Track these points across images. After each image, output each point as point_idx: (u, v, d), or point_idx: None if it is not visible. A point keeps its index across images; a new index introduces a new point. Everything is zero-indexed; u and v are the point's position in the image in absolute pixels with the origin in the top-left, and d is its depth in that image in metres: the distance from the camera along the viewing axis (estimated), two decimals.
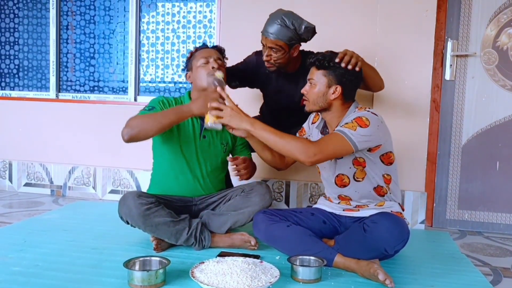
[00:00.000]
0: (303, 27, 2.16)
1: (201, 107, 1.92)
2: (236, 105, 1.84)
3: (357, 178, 1.93)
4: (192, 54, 2.17)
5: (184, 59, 3.18)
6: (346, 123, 1.81)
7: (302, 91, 1.94)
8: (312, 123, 2.10)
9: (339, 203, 2.03)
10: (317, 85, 1.89)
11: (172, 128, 2.02)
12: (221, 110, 1.81)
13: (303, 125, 2.16)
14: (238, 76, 2.41)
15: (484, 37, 2.65)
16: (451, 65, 2.68)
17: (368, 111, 1.85)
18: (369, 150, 1.85)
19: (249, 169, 2.11)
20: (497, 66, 2.65)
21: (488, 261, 2.12)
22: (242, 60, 2.47)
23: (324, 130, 2.00)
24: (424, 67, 2.67)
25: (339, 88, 1.87)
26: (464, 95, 2.70)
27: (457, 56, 2.68)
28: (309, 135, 2.10)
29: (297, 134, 2.14)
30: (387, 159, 1.92)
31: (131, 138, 1.91)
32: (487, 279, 1.84)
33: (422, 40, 2.66)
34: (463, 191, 2.73)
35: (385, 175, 1.94)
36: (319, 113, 2.04)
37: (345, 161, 1.92)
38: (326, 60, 1.87)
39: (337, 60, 1.85)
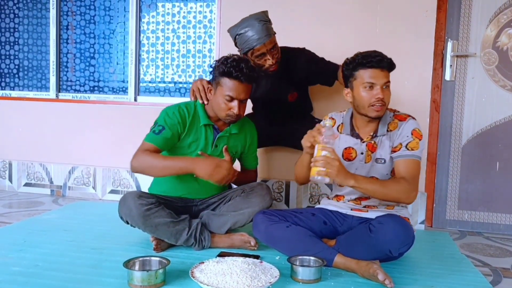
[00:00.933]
0: (267, 14, 2.22)
1: (205, 173, 1.89)
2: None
3: None
4: (222, 74, 1.97)
5: (185, 60, 3.20)
6: (409, 142, 1.85)
7: (381, 97, 1.81)
8: None
9: (349, 201, 2.02)
10: (389, 86, 1.88)
11: (189, 137, 2.06)
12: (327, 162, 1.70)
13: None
14: None
15: (484, 37, 2.65)
16: (451, 65, 2.68)
17: (410, 116, 1.92)
18: None
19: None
20: (497, 67, 2.65)
21: (488, 262, 2.12)
22: None
23: (354, 132, 1.97)
24: (424, 67, 2.67)
25: (348, 92, 1.93)
26: (464, 96, 2.70)
27: (457, 56, 2.68)
28: None
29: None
30: None
31: (137, 172, 2.00)
32: (487, 279, 1.84)
33: (422, 41, 2.66)
34: (463, 191, 2.73)
35: None
36: (334, 118, 2.04)
37: (385, 167, 1.92)
38: (393, 62, 1.87)
39: None
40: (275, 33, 2.22)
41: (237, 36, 2.18)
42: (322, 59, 2.39)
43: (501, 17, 2.62)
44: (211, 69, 2.07)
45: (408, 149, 1.85)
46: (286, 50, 2.34)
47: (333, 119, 2.05)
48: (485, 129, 2.68)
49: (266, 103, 2.51)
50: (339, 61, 2.54)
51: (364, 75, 1.82)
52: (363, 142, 1.94)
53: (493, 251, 2.32)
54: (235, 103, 1.98)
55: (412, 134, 1.86)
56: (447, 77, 2.70)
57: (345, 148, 1.98)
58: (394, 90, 2.65)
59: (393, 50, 2.66)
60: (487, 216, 2.71)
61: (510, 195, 2.67)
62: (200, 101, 2.09)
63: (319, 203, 2.19)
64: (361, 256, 1.79)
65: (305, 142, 1.79)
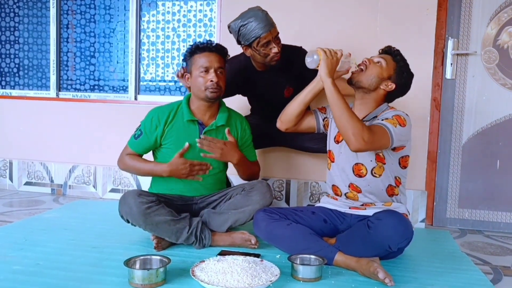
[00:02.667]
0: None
1: (175, 173, 2.06)
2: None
3: (374, 173, 1.95)
4: (192, 53, 2.09)
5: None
6: (386, 119, 1.87)
7: (364, 59, 1.97)
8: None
9: (346, 198, 2.03)
10: (382, 68, 1.94)
11: (171, 137, 2.10)
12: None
13: (324, 105, 2.18)
14: (229, 90, 2.33)
15: (484, 35, 2.65)
16: (451, 63, 2.68)
17: (402, 111, 1.94)
18: (394, 149, 1.91)
19: (219, 144, 2.09)
20: (497, 65, 2.65)
21: (489, 260, 2.12)
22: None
23: None
24: (425, 65, 2.67)
25: (393, 86, 1.95)
26: (464, 94, 2.69)
27: (457, 54, 2.68)
28: (328, 116, 2.13)
29: (316, 108, 2.17)
30: (404, 162, 1.98)
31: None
32: (487, 277, 1.84)
33: (423, 39, 2.66)
34: (464, 189, 2.73)
35: (397, 178, 1.98)
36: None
37: (369, 153, 1.94)
38: (401, 58, 1.97)
39: None
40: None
41: (241, 28, 2.17)
42: None
43: (501, 15, 2.62)
44: (182, 60, 2.18)
45: (382, 121, 1.86)
46: (283, 47, 2.34)
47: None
48: (486, 128, 2.68)
49: (263, 98, 2.51)
50: None
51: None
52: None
53: (493, 249, 2.32)
54: (211, 73, 2.02)
55: (393, 116, 1.88)
56: (448, 75, 2.70)
57: (338, 131, 2.02)
58: None
59: None
60: (487, 215, 2.71)
61: (510, 193, 2.67)
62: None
63: (319, 202, 2.19)
64: (361, 253, 1.79)
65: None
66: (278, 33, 2.22)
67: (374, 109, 1.97)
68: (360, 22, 2.74)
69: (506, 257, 2.19)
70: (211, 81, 2.02)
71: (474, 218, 2.73)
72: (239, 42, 2.24)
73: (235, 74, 2.36)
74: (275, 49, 2.19)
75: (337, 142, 2.05)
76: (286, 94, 2.42)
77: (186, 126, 2.10)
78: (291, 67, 2.34)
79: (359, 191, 1.99)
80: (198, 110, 2.13)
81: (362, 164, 1.96)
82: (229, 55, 2.18)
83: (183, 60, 2.17)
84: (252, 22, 2.14)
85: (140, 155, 2.16)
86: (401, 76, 1.97)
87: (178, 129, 2.09)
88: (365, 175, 1.97)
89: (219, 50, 2.09)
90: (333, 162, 2.08)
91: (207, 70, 2.03)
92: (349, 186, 2.02)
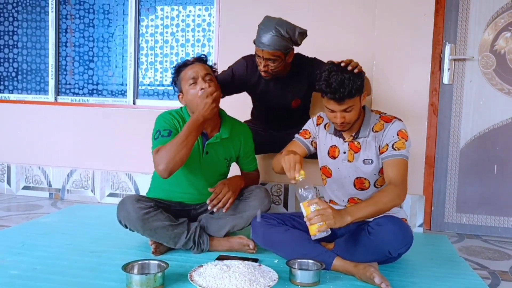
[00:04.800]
0: (297, 33, 2.18)
1: (205, 110, 1.90)
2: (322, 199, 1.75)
3: (377, 184, 1.96)
4: (178, 72, 2.07)
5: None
6: (395, 142, 1.87)
7: (341, 121, 1.83)
8: (317, 124, 2.08)
9: (345, 206, 2.03)
10: (354, 107, 1.83)
11: None
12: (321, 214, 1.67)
13: (305, 127, 2.11)
14: (228, 87, 2.35)
15: (481, 41, 2.67)
16: (449, 69, 2.69)
17: (396, 118, 1.94)
18: None
19: (229, 195, 2.02)
20: (494, 70, 2.66)
21: (486, 265, 2.12)
22: (230, 68, 2.42)
23: (337, 132, 1.99)
24: (422, 71, 2.68)
25: (364, 96, 1.91)
26: (462, 99, 2.70)
27: (455, 60, 2.69)
28: (315, 137, 2.08)
29: (299, 136, 2.10)
30: None
31: (171, 173, 1.89)
32: (485, 282, 1.85)
33: (420, 44, 2.67)
34: (461, 194, 2.73)
35: None
36: (322, 117, 2.09)
37: (373, 167, 1.93)
38: (355, 86, 1.77)
39: (349, 68, 1.79)
40: (285, 51, 2.17)
41: (258, 26, 2.20)
42: None
43: (498, 20, 2.64)
44: (172, 84, 2.14)
45: (395, 149, 1.86)
46: (298, 56, 2.35)
47: (321, 117, 2.09)
48: (483, 132, 2.69)
49: (269, 105, 2.51)
50: None
51: (325, 101, 1.84)
52: (345, 141, 1.97)
53: (491, 254, 2.32)
54: (200, 82, 1.98)
55: (398, 134, 1.88)
56: (445, 80, 2.71)
57: (331, 146, 2.02)
58: (392, 93, 2.69)
59: (391, 53, 2.70)
60: (485, 219, 2.71)
61: (508, 198, 2.68)
62: None
63: None
64: (360, 258, 1.79)
65: (283, 164, 1.77)
66: (272, 58, 2.16)
67: (357, 117, 1.90)
68: (357, 27, 2.76)
69: (504, 261, 2.20)
70: (202, 89, 1.97)
71: (472, 223, 2.73)
72: None
73: (248, 70, 2.36)
74: (260, 66, 2.21)
75: (333, 157, 2.01)
76: (294, 104, 2.43)
77: None
78: (302, 78, 2.34)
79: (360, 200, 2.00)
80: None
81: (365, 178, 1.96)
82: (215, 64, 2.16)
83: (173, 83, 2.13)
84: (261, 30, 2.15)
85: None
86: (360, 89, 1.83)
87: None
88: (368, 188, 1.98)
89: (199, 59, 2.07)
90: (329, 177, 2.05)
91: (195, 81, 2.00)
92: (348, 201, 2.03)
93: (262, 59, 2.18)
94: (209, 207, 2.00)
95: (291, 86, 2.38)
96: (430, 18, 2.65)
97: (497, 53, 2.65)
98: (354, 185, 1.99)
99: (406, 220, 1.99)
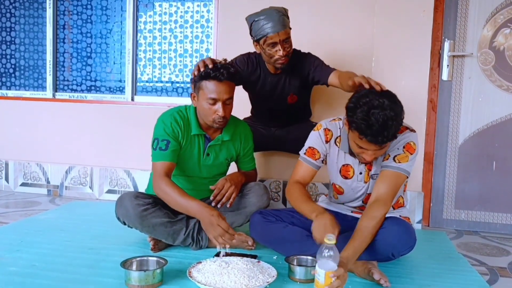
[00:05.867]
0: (287, 11, 2.24)
1: (204, 227, 1.83)
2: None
3: None
4: (199, 77, 1.93)
5: (182, 59, 3.20)
6: (398, 155, 1.75)
7: (371, 159, 1.69)
8: (326, 141, 1.90)
9: (352, 212, 2.02)
10: (387, 145, 1.68)
11: (180, 150, 2.02)
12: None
13: (311, 145, 1.91)
14: None
15: (481, 37, 2.66)
16: (448, 65, 2.69)
17: (408, 129, 1.79)
18: None
19: (232, 190, 2.01)
20: (493, 67, 2.66)
21: (485, 261, 2.13)
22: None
23: (352, 152, 1.82)
24: (421, 67, 2.68)
25: None
26: (461, 96, 2.70)
27: (454, 56, 2.69)
28: (325, 155, 1.92)
29: (306, 157, 1.92)
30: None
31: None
32: (483, 278, 1.85)
33: (419, 40, 2.66)
34: (460, 191, 2.74)
35: (405, 182, 1.95)
36: (330, 129, 1.89)
37: None
38: (399, 125, 1.62)
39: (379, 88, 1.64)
40: (290, 28, 2.23)
41: (253, 23, 2.19)
42: (326, 66, 2.34)
43: (497, 17, 2.63)
44: (190, 80, 2.03)
45: (395, 161, 1.75)
46: (293, 52, 2.34)
47: (328, 130, 1.89)
48: (482, 129, 2.69)
49: (266, 102, 2.51)
50: (336, 61, 2.55)
51: (357, 138, 1.63)
52: (362, 162, 1.84)
53: (489, 250, 2.33)
54: (218, 105, 1.91)
55: (404, 147, 1.76)
56: (444, 77, 2.70)
57: (343, 165, 1.90)
58: (391, 89, 2.66)
59: (390, 50, 2.69)
60: (483, 216, 2.72)
61: (506, 195, 2.68)
62: (196, 72, 1.93)
63: (317, 202, 2.18)
64: (362, 258, 1.78)
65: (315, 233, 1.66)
66: (288, 37, 2.20)
67: None
68: (356, 24, 2.75)
69: (502, 258, 2.20)
70: (218, 114, 1.93)
71: (470, 219, 2.73)
72: (251, 36, 2.25)
73: (249, 67, 2.37)
74: (280, 52, 2.19)
75: (346, 177, 1.90)
76: (290, 100, 2.42)
77: (192, 138, 2.04)
78: (297, 74, 2.34)
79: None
80: (205, 125, 2.03)
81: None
82: (238, 79, 2.09)
83: (191, 83, 2.05)
84: (263, 20, 2.15)
85: (174, 166, 1.99)
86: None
87: (187, 139, 2.03)
88: None
89: (229, 78, 1.93)
90: (340, 194, 1.98)
91: (214, 102, 1.92)
92: (352, 212, 2.01)
93: (280, 44, 2.17)
94: (213, 204, 1.99)
95: (286, 82, 2.38)
96: (429, 15, 2.64)
97: (496, 49, 2.65)
98: (363, 201, 1.96)
99: (409, 219, 1.99)
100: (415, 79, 2.69)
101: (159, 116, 2.04)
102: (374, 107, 1.54)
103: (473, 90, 2.69)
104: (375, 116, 1.52)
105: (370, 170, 1.87)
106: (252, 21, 2.20)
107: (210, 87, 1.91)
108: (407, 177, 1.79)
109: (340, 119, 1.91)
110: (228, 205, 2.01)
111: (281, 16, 2.15)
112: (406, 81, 2.69)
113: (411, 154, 1.77)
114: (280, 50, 2.18)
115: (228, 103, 1.96)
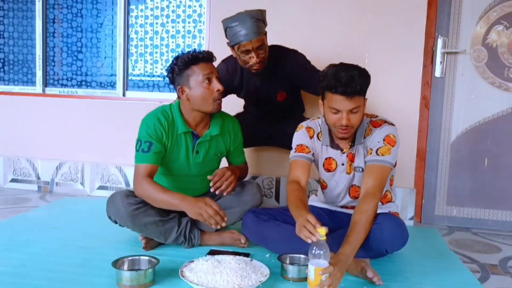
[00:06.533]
0: (264, 14, 2.19)
1: (194, 215, 1.81)
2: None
3: None
4: (184, 64, 1.95)
5: (174, 54, 3.16)
6: (380, 148, 1.80)
7: (346, 123, 1.73)
8: (310, 137, 1.96)
9: (341, 207, 2.02)
10: (360, 110, 1.75)
11: (167, 151, 2.00)
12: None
13: (299, 142, 1.95)
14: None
15: (474, 34, 2.66)
16: (441, 62, 2.69)
17: (386, 122, 1.86)
18: None
19: (232, 179, 2.00)
20: (486, 64, 2.66)
21: (476, 258, 2.14)
22: None
23: (334, 144, 1.91)
24: (414, 63, 2.68)
25: (365, 101, 1.80)
26: (453, 92, 2.70)
27: (447, 53, 2.68)
28: (313, 149, 1.95)
29: (295, 151, 1.95)
30: (395, 163, 1.89)
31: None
32: (475, 276, 1.86)
33: (413, 37, 2.66)
34: (452, 187, 2.75)
35: (390, 179, 1.97)
36: (311, 127, 1.96)
37: (363, 175, 1.87)
38: (365, 82, 1.74)
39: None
40: (265, 33, 2.20)
41: (227, 28, 2.16)
42: (312, 67, 2.31)
43: (490, 14, 2.63)
44: (167, 75, 2.02)
45: (378, 154, 1.79)
46: (278, 48, 2.32)
47: (310, 128, 1.96)
48: (474, 126, 2.69)
49: (256, 101, 2.50)
50: (329, 58, 2.53)
51: (331, 99, 1.73)
52: (344, 153, 1.90)
53: (481, 247, 2.34)
54: (215, 82, 1.95)
55: (384, 140, 1.81)
56: (437, 73, 2.70)
57: (326, 159, 1.94)
58: (383, 86, 2.68)
59: (383, 46, 2.69)
60: (475, 212, 2.73)
61: (498, 191, 2.70)
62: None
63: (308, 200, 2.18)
64: (356, 254, 1.78)
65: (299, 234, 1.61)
66: (262, 44, 2.16)
67: (360, 123, 1.81)
68: (349, 20, 2.73)
69: (494, 255, 2.21)
70: (218, 90, 1.95)
71: (462, 216, 2.75)
72: (227, 40, 2.22)
73: (230, 74, 2.35)
74: (253, 60, 2.17)
75: (328, 170, 1.95)
76: (279, 98, 2.40)
77: (179, 137, 2.01)
78: (284, 71, 2.32)
79: (353, 207, 1.99)
80: (193, 120, 2.03)
81: (359, 186, 1.90)
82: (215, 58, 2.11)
83: (168, 77, 2.02)
84: (237, 27, 2.11)
85: (157, 168, 1.97)
86: (365, 91, 1.77)
87: (173, 139, 2.00)
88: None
89: (211, 58, 2.00)
90: (325, 189, 2.02)
91: (209, 80, 1.95)
92: (342, 207, 2.02)
93: (253, 51, 2.15)
94: (211, 190, 1.97)
95: (273, 80, 2.35)
96: (423, 11, 2.63)
97: (489, 46, 2.65)
98: (349, 194, 1.97)
99: (398, 214, 2.00)
100: (408, 76, 2.69)
101: (143, 118, 2.00)
102: (342, 69, 1.72)
103: (465, 87, 2.69)
104: (343, 72, 1.69)
105: (352, 161, 1.90)
106: (226, 26, 2.16)
107: (201, 68, 1.94)
108: (391, 169, 1.83)
109: (319, 117, 1.99)
110: (225, 194, 1.99)
111: (254, 22, 2.09)
112: (399, 78, 2.68)
113: (392, 146, 1.81)
114: (253, 57, 2.16)
115: (218, 79, 1.99)
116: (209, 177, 1.99)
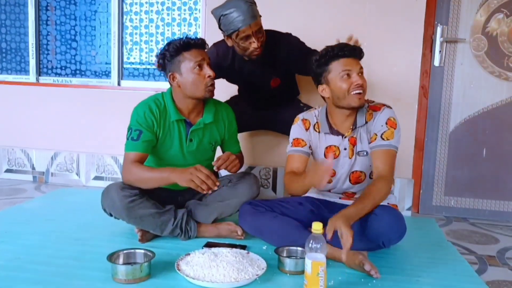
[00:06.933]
0: None
1: (185, 183, 1.80)
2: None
3: (372, 176, 1.92)
4: (178, 51, 1.94)
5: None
6: (384, 132, 1.84)
7: (360, 83, 1.79)
8: (306, 129, 1.98)
9: (340, 198, 2.01)
10: (363, 74, 1.85)
11: (160, 139, 1.99)
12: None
13: (295, 136, 1.99)
14: None
15: (473, 22, 2.62)
16: (440, 51, 2.65)
17: (385, 106, 1.91)
18: None
19: (237, 162, 2.01)
20: (486, 53, 2.63)
21: (474, 249, 2.13)
22: None
23: (333, 130, 1.93)
24: (413, 52, 2.64)
25: None
26: (452, 82, 2.67)
27: (446, 41, 2.65)
28: (309, 141, 1.98)
29: (291, 145, 1.98)
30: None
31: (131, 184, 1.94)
32: (473, 268, 1.85)
33: (412, 25, 2.62)
34: (450, 177, 2.74)
35: None
36: (307, 119, 1.98)
37: (367, 159, 1.91)
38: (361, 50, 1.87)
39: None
40: (260, 15, 2.15)
41: (221, 17, 2.10)
42: (307, 48, 2.27)
43: (491, 2, 2.59)
44: (158, 61, 1.99)
45: (383, 139, 1.84)
46: (271, 33, 2.26)
47: (306, 120, 1.99)
48: (473, 115, 2.67)
49: (249, 88, 2.46)
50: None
51: (339, 65, 1.80)
52: (345, 137, 1.92)
53: (478, 237, 2.33)
54: (206, 68, 1.94)
55: (386, 123, 1.85)
56: (436, 62, 2.67)
57: (327, 147, 1.95)
58: (382, 75, 2.64)
59: (382, 35, 2.65)
60: (473, 202, 2.72)
61: (495, 181, 2.69)
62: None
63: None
64: (353, 247, 1.77)
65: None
66: (260, 27, 2.11)
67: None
68: (348, 9, 2.68)
69: (491, 245, 2.21)
70: (209, 76, 1.93)
71: (460, 206, 2.74)
72: (221, 30, 2.17)
73: (220, 58, 2.30)
74: (254, 44, 2.11)
75: (333, 159, 1.93)
76: (273, 84, 2.36)
77: (172, 125, 2.00)
78: (278, 56, 2.27)
79: (354, 195, 1.99)
80: (185, 108, 2.01)
81: (361, 171, 1.94)
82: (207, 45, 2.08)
83: (159, 64, 2.00)
84: (232, 13, 2.04)
85: (146, 157, 1.97)
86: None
87: (165, 128, 1.99)
88: (363, 180, 1.96)
89: (203, 45, 1.99)
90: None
91: (200, 66, 1.93)
92: (342, 194, 2.01)
93: (253, 35, 2.09)
94: (214, 168, 1.96)
95: (266, 65, 2.29)
96: None
97: (489, 35, 2.62)
98: (350, 180, 1.96)
99: (396, 206, 1.99)
100: (407, 64, 2.65)
101: (135, 106, 1.99)
102: (340, 43, 1.87)
103: (465, 76, 2.66)
104: (340, 44, 1.85)
105: (354, 145, 1.91)
106: (219, 15, 2.09)
107: (192, 55, 1.93)
108: (396, 152, 1.87)
109: (315, 108, 2.04)
110: (231, 172, 2.02)
111: (249, 6, 2.04)
112: (398, 66, 2.65)
113: (395, 129, 1.86)
114: (254, 42, 2.10)
115: (209, 66, 1.98)
116: (213, 163, 1.98)
